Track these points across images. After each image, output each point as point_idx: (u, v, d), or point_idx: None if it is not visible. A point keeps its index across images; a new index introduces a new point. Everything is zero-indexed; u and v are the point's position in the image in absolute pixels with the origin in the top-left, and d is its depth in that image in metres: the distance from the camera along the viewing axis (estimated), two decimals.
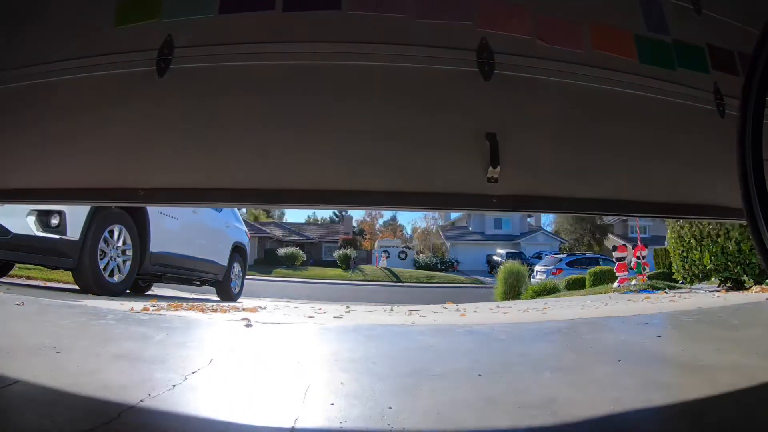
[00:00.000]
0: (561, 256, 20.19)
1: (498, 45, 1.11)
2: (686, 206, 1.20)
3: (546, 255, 22.48)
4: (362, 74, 1.09)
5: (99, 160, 1.12)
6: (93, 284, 3.86)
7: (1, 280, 4.62)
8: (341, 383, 1.30)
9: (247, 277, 7.48)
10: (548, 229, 34.40)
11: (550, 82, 1.12)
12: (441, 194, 1.12)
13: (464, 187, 1.11)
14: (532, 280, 12.97)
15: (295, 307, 4.33)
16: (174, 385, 1.20)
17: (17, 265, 5.44)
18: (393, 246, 30.94)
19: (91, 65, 1.09)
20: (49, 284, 5.70)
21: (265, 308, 3.89)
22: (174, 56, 1.06)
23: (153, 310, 2.80)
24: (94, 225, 3.85)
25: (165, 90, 1.08)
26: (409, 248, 31.71)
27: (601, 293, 7.83)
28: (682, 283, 6.79)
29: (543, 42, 1.12)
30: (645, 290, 7.20)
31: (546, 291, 10.17)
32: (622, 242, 17.65)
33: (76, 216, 3.71)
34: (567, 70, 1.11)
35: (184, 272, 5.62)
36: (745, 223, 0.94)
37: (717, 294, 4.77)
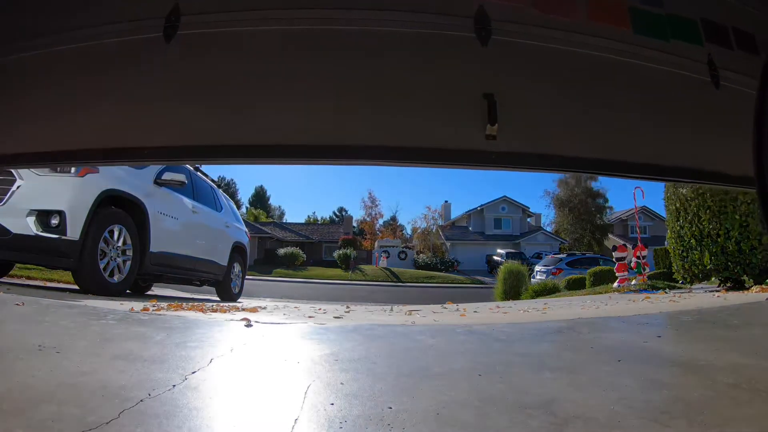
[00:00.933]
0: (561, 256, 20.17)
1: (495, 13, 1.14)
2: (682, 169, 1.24)
3: (546, 255, 22.46)
4: (362, 35, 1.14)
5: (107, 122, 1.16)
6: (93, 284, 3.86)
7: (1, 280, 4.62)
8: (341, 383, 1.30)
9: (247, 277, 7.48)
10: (548, 229, 34.41)
11: (547, 48, 1.16)
12: (440, 149, 1.17)
13: (463, 143, 1.15)
14: (532, 280, 12.97)
15: (295, 307, 4.33)
16: (174, 385, 1.20)
17: (17, 265, 5.44)
18: (393, 246, 30.92)
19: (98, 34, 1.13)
20: (49, 284, 5.70)
21: (265, 308, 3.89)
22: (181, 22, 1.11)
23: (153, 310, 2.80)
24: (94, 225, 3.85)
25: (171, 55, 1.12)
26: (409, 248, 31.69)
27: (601, 293, 7.83)
28: (682, 283, 6.79)
29: (539, 11, 1.15)
30: (645, 290, 7.20)
31: (546, 291, 10.17)
32: (622, 242, 17.64)
33: (76, 216, 3.71)
34: (563, 38, 1.15)
35: (184, 272, 5.61)
36: (744, 191, 0.97)
37: (717, 294, 4.77)
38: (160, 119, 1.15)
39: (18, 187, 3.61)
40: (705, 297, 4.54)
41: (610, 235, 31.54)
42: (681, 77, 1.18)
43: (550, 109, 1.18)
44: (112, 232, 4.05)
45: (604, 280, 9.68)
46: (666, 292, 6.13)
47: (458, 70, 1.14)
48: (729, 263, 5.58)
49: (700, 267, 5.92)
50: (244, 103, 1.12)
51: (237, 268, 6.81)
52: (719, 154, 1.19)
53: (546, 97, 1.17)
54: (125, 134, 1.15)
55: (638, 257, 8.61)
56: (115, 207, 4.14)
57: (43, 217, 3.61)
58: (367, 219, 34.56)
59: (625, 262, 8.62)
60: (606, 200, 32.37)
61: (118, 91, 1.14)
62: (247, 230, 7.43)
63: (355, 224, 36.37)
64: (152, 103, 1.14)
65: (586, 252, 24.11)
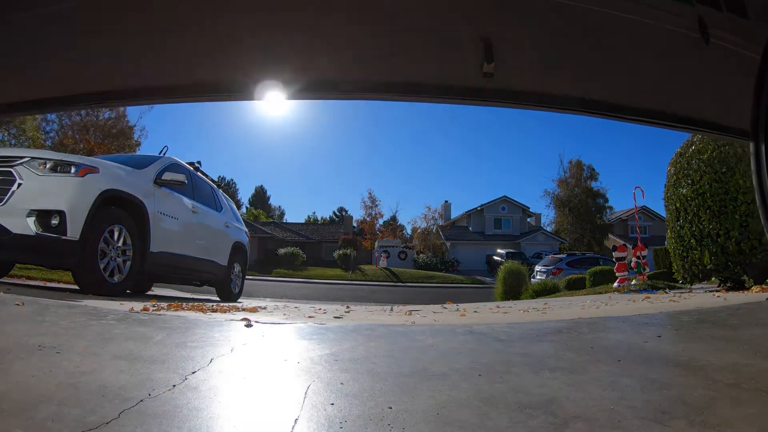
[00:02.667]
0: (561, 256, 20.18)
1: None
2: (674, 116, 1.28)
3: (546, 255, 22.46)
4: None
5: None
6: (93, 284, 3.86)
7: (1, 280, 4.62)
8: (341, 383, 1.30)
9: (247, 277, 7.48)
10: (548, 229, 34.42)
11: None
12: (438, 85, 1.22)
13: (460, 80, 1.20)
14: (532, 280, 12.97)
15: (295, 307, 4.33)
16: (174, 385, 1.20)
17: (17, 265, 5.44)
18: (393, 246, 30.93)
19: None
20: (49, 284, 5.70)
21: (265, 308, 3.89)
22: None
23: (153, 310, 2.80)
24: (94, 225, 3.85)
25: None
26: (409, 248, 31.71)
27: (601, 293, 7.83)
28: (682, 283, 6.79)
29: None
30: (645, 290, 7.19)
31: (546, 291, 10.16)
32: (622, 242, 17.64)
33: (76, 216, 3.71)
34: None
35: (184, 272, 5.61)
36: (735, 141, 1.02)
37: (717, 294, 4.77)
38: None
39: (18, 187, 3.62)
40: (705, 297, 4.54)
41: (610, 235, 31.55)
42: (673, 33, 1.22)
43: (547, 52, 1.23)
44: (112, 232, 4.05)
45: (604, 280, 9.68)
46: (666, 292, 6.13)
47: (458, 12, 1.17)
48: (729, 263, 5.58)
49: (700, 267, 5.92)
50: (248, 38, 1.14)
51: (237, 268, 6.81)
52: (711, 105, 1.24)
53: (543, 41, 1.21)
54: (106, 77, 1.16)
55: (638, 257, 8.61)
56: (115, 207, 4.14)
57: (43, 217, 3.61)
58: (367, 219, 34.55)
59: (625, 262, 8.62)
60: (606, 200, 32.38)
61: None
62: (247, 230, 7.43)
63: (355, 224, 36.36)
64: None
65: (586, 252, 24.13)
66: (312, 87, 1.20)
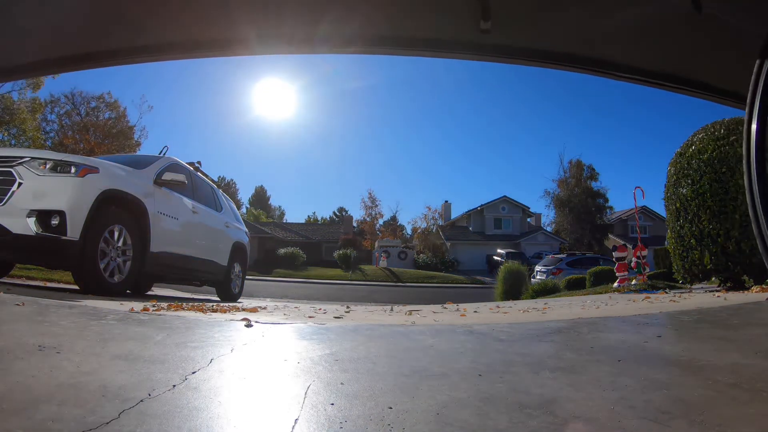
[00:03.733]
0: (561, 256, 20.18)
1: None
2: (668, 76, 1.31)
3: (546, 255, 22.47)
4: None
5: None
6: (93, 284, 3.86)
7: (1, 280, 4.62)
8: (341, 383, 1.30)
9: (247, 277, 7.48)
10: (548, 229, 34.42)
11: None
12: (437, 39, 1.25)
13: (459, 36, 1.23)
14: (532, 280, 12.98)
15: (295, 307, 4.33)
16: (174, 385, 1.20)
17: (17, 265, 5.44)
18: (393, 246, 30.94)
19: None
20: (49, 284, 5.70)
21: (265, 308, 3.89)
22: None
23: (153, 310, 2.80)
24: (94, 225, 3.85)
25: None
26: (409, 248, 31.71)
27: (601, 293, 7.83)
28: (682, 283, 6.78)
29: None
30: (645, 290, 7.19)
31: (546, 291, 10.17)
32: (622, 242, 17.65)
33: (76, 216, 3.71)
34: None
35: (184, 272, 5.61)
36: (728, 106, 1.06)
37: (717, 294, 4.77)
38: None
39: (18, 187, 3.62)
40: (705, 297, 4.54)
41: (610, 235, 31.56)
42: (667, 3, 1.25)
43: (541, 7, 1.25)
44: (112, 232, 4.05)
45: (604, 280, 9.69)
46: (666, 292, 6.13)
47: None
48: (729, 263, 5.57)
49: (700, 267, 5.91)
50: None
51: (237, 268, 6.81)
52: (705, 68, 1.29)
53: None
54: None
55: (638, 257, 8.61)
56: (115, 207, 4.14)
57: (43, 217, 3.61)
58: (367, 219, 34.58)
59: (625, 262, 8.62)
60: (606, 200, 32.42)
61: None
62: (247, 230, 7.43)
63: (355, 224, 36.38)
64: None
65: (586, 252, 24.12)
66: (310, 40, 1.22)
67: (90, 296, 3.54)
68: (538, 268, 17.18)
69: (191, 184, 5.74)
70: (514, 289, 10.66)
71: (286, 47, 1.31)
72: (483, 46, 1.25)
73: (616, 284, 8.38)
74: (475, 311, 3.84)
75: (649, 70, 1.34)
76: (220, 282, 6.47)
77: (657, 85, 1.39)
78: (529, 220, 35.31)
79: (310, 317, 2.96)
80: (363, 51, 1.34)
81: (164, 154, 5.61)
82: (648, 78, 1.36)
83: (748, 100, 1.05)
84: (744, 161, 1.10)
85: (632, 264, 8.85)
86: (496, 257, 28.12)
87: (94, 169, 3.97)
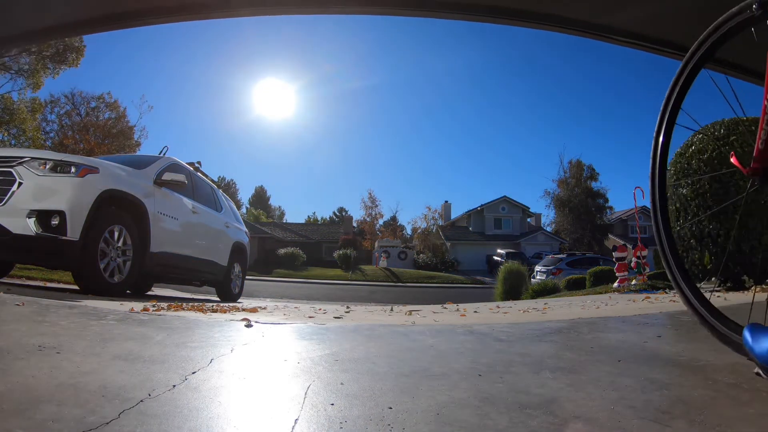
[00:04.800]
0: (561, 256, 20.19)
1: None
2: (628, 32, 1.37)
3: (546, 255, 22.47)
4: None
5: None
6: (93, 284, 3.86)
7: (1, 280, 4.62)
8: (341, 383, 1.30)
9: (247, 277, 7.48)
10: (548, 229, 34.41)
11: None
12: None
13: None
14: (532, 280, 12.99)
15: (295, 308, 4.33)
16: (174, 386, 1.20)
17: (17, 265, 5.44)
18: (393, 246, 30.93)
19: None
20: (49, 284, 5.70)
21: (265, 308, 3.89)
22: None
23: (153, 310, 2.80)
24: (94, 225, 3.85)
25: None
26: (409, 248, 31.70)
27: (601, 293, 7.83)
28: None
29: None
30: (645, 290, 7.20)
31: (546, 291, 10.17)
32: (622, 242, 17.65)
33: (76, 216, 3.71)
34: None
35: (184, 272, 5.62)
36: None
37: (717, 294, 4.77)
38: None
39: (18, 187, 3.61)
40: None
41: (610, 235, 31.56)
42: None
43: None
44: (112, 232, 4.05)
45: (604, 280, 9.70)
46: (666, 292, 6.13)
47: None
48: (729, 263, 5.57)
49: (700, 267, 5.91)
50: None
51: (237, 268, 6.81)
52: (660, 23, 1.38)
53: None
54: None
55: (638, 257, 8.61)
56: (115, 207, 4.14)
57: (43, 217, 3.61)
58: (367, 219, 34.59)
59: (625, 262, 8.62)
60: (606, 200, 32.43)
61: None
62: (247, 230, 7.43)
63: (355, 224, 36.37)
64: None
65: (586, 252, 24.12)
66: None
67: (90, 296, 3.54)
68: (538, 268, 17.19)
69: (191, 184, 5.73)
70: (514, 290, 10.67)
71: (297, 8, 1.35)
72: (425, 3, 1.32)
73: (616, 284, 8.39)
74: (475, 311, 3.84)
75: (601, 24, 1.43)
76: (220, 282, 6.47)
77: (608, 38, 1.47)
78: (529, 220, 35.31)
79: (310, 317, 2.96)
80: (366, 10, 1.40)
81: (164, 154, 5.62)
82: (600, 32, 1.43)
83: (661, 108, 1.09)
84: (649, 173, 1.14)
85: (632, 264, 8.85)
86: (496, 257, 28.12)
87: (94, 169, 3.97)
